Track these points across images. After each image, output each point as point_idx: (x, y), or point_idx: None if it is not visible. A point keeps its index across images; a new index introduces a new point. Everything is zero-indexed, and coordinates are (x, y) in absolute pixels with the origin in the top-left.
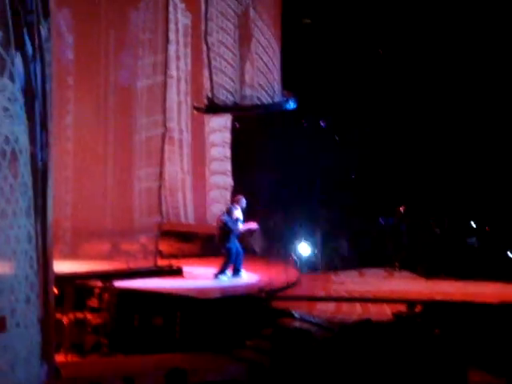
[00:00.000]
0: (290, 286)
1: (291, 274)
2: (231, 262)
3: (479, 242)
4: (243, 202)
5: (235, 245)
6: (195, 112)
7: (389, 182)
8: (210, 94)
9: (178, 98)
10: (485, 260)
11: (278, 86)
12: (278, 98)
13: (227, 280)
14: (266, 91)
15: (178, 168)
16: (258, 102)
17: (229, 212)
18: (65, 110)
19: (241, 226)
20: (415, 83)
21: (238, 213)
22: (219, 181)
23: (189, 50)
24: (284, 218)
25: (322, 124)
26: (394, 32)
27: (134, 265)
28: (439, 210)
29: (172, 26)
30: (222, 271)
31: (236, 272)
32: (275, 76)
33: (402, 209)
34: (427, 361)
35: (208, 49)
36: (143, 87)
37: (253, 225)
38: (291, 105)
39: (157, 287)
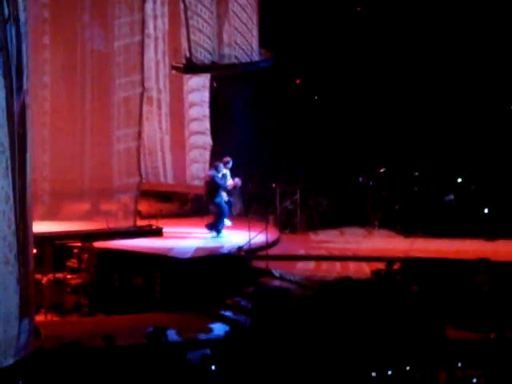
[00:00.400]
0: (269, 245)
1: (271, 233)
2: (224, 217)
3: (457, 199)
4: (230, 163)
5: (223, 200)
6: (173, 71)
7: (369, 141)
8: (187, 54)
9: (156, 58)
10: (462, 217)
11: (256, 45)
12: (255, 57)
13: (215, 237)
14: (244, 50)
15: (156, 128)
16: (236, 61)
17: (216, 168)
18: (41, 70)
19: (228, 182)
20: (393, 41)
21: (225, 171)
22: (198, 140)
23: (166, 9)
24: (262, 176)
25: (299, 82)
26: None
27: (113, 225)
28: (417, 168)
29: None
30: (215, 227)
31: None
32: (253, 34)
33: (382, 170)
34: (405, 317)
35: (185, 7)
36: (120, 47)
37: (238, 181)
38: (269, 63)
39: (136, 247)
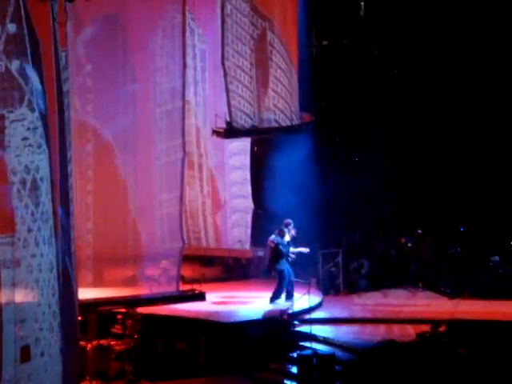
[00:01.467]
0: (312, 308)
1: (314, 296)
2: (284, 286)
3: (502, 259)
4: (292, 225)
5: (287, 267)
6: (214, 136)
7: (408, 203)
8: (228, 118)
9: (196, 123)
10: (508, 278)
11: (296, 108)
12: (296, 121)
13: (281, 304)
14: (284, 113)
15: (198, 192)
16: (276, 125)
17: (281, 234)
18: (85, 139)
19: (292, 250)
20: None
21: (287, 237)
22: (239, 204)
23: (206, 75)
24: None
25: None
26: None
27: (156, 290)
28: (462, 224)
29: (189, 51)
30: (276, 296)
31: (289, 296)
32: (293, 97)
33: (419, 231)
34: (453, 381)
35: (225, 73)
36: (162, 112)
37: (304, 249)
38: (309, 126)
39: (180, 312)
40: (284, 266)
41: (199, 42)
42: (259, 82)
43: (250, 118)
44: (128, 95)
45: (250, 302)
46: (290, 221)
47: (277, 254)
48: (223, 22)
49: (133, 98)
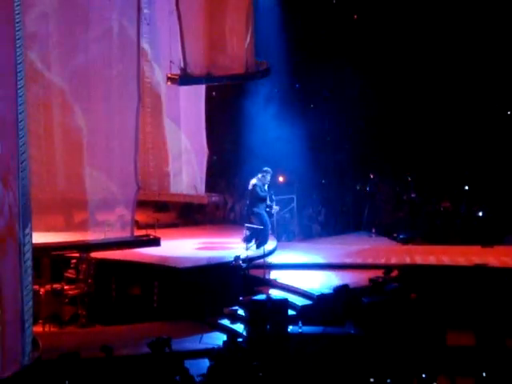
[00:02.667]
0: (267, 253)
1: (269, 242)
2: (268, 229)
3: (453, 205)
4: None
5: (264, 212)
6: (169, 83)
7: (362, 150)
8: (182, 65)
9: (150, 68)
10: (459, 224)
11: (251, 54)
12: (251, 68)
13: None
14: (240, 60)
15: (152, 138)
16: (231, 72)
17: (260, 178)
18: (36, 82)
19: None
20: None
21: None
22: (194, 150)
23: (160, 20)
24: None
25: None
26: None
27: (111, 235)
28: (412, 172)
29: None
30: (262, 241)
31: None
32: (249, 44)
33: (372, 176)
34: (404, 324)
35: (180, 18)
36: (115, 57)
37: (275, 207)
38: (265, 74)
39: (134, 257)
40: (262, 210)
41: None
42: (214, 28)
43: (205, 65)
44: (81, 40)
45: (205, 248)
46: (269, 169)
47: (255, 197)
48: None
49: (86, 43)
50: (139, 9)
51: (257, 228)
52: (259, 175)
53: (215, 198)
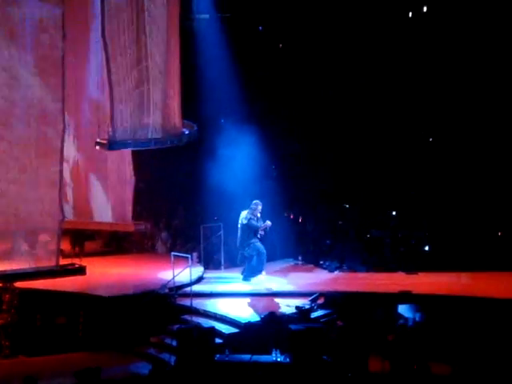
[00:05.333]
0: (194, 282)
1: (195, 270)
2: (264, 259)
3: (384, 233)
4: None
5: (257, 243)
6: (97, 147)
7: (290, 179)
8: (110, 130)
9: None
10: (388, 251)
11: (178, 118)
12: (178, 130)
13: (253, 280)
14: (167, 123)
15: (78, 166)
16: (159, 136)
17: (252, 211)
18: None
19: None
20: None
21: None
22: (121, 178)
23: None
24: (186, 214)
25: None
26: None
27: (35, 264)
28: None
29: None
30: (249, 272)
31: (257, 271)
32: (175, 107)
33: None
34: (329, 350)
35: (110, 85)
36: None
37: (268, 223)
38: (192, 137)
39: (59, 286)
40: (256, 239)
41: None
42: (142, 93)
43: (133, 129)
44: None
45: (131, 276)
46: (258, 202)
47: (251, 229)
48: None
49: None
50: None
51: (252, 257)
52: (250, 208)
53: (142, 226)
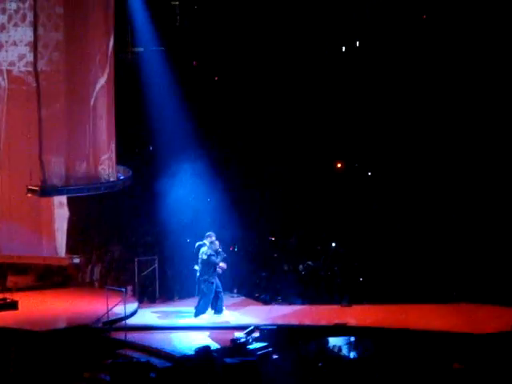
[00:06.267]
0: (128, 315)
1: (129, 304)
2: (211, 299)
3: (319, 264)
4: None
5: (216, 279)
6: (29, 195)
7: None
8: (42, 176)
9: None
10: (323, 283)
11: (112, 165)
12: (113, 176)
13: (208, 317)
14: (101, 171)
15: (10, 198)
16: (91, 183)
17: (211, 246)
18: None
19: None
20: None
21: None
22: (56, 212)
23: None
24: (120, 248)
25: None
26: None
27: None
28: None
29: None
30: (201, 310)
31: (218, 309)
32: (110, 154)
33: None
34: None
35: (40, 132)
36: None
37: (222, 265)
38: (127, 182)
39: None
40: (215, 277)
41: None
42: (74, 139)
43: (65, 176)
44: None
45: (64, 310)
46: (212, 233)
47: (211, 265)
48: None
49: None
50: None
51: (205, 295)
52: (205, 241)
53: (76, 259)
